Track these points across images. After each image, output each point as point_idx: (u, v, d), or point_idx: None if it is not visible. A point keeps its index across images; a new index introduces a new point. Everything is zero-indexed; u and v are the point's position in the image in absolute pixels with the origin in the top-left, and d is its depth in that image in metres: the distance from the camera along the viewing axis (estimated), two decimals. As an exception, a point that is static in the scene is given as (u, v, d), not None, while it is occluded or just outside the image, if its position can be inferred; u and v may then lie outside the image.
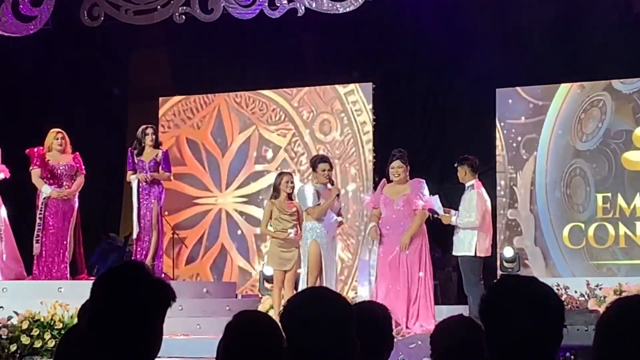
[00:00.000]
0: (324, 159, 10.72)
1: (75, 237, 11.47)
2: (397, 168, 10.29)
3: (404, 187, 10.26)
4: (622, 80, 12.76)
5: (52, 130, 11.51)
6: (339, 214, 10.58)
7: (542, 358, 2.66)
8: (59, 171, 11.42)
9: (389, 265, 10.20)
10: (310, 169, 10.78)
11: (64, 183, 11.43)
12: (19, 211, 12.01)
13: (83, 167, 11.57)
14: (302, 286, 10.19)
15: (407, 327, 9.91)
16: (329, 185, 10.41)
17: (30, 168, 11.40)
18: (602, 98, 12.86)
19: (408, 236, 10.10)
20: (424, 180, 10.37)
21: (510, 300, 2.70)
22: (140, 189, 11.69)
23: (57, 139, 11.43)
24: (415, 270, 10.14)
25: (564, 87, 13.11)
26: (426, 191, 10.29)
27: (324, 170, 10.36)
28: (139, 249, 11.74)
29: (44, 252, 11.33)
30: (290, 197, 10.73)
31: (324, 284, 10.01)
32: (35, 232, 11.33)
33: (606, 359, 2.46)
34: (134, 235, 11.77)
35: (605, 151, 12.78)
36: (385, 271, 10.20)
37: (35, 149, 11.41)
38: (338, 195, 10.49)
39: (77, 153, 11.59)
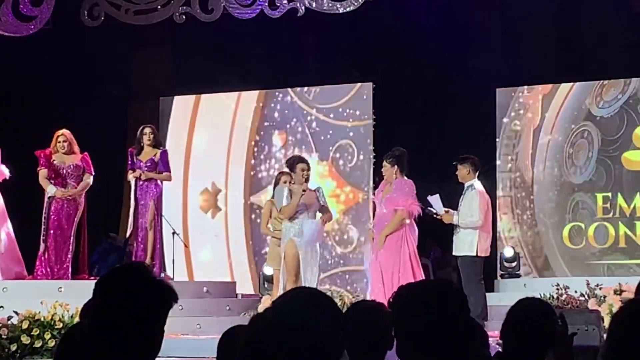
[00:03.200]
0: (301, 158, 10.74)
1: (79, 237, 11.48)
2: (383, 167, 10.36)
3: (390, 187, 10.26)
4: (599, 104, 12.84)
5: (56, 133, 11.52)
6: (323, 210, 10.47)
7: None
8: (63, 171, 11.44)
9: (373, 266, 10.20)
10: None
11: (70, 183, 11.45)
12: (23, 211, 12.01)
13: (91, 167, 11.58)
14: (280, 287, 10.12)
15: None
16: (305, 185, 10.38)
17: (38, 169, 11.44)
18: (586, 128, 12.91)
19: (383, 235, 10.06)
20: (410, 181, 10.31)
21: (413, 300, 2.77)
22: (138, 189, 11.71)
23: (60, 142, 11.46)
24: (393, 271, 10.04)
25: (564, 87, 13.14)
26: (408, 191, 10.22)
27: (303, 170, 10.34)
28: (138, 249, 11.76)
29: (47, 252, 11.35)
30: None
31: (303, 285, 9.94)
32: (41, 232, 11.35)
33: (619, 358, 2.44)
34: (127, 234, 11.82)
35: (621, 117, 12.77)
36: (372, 272, 10.20)
37: (43, 150, 11.44)
38: (304, 191, 10.33)
39: (86, 153, 11.61)
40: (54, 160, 11.44)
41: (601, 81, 12.93)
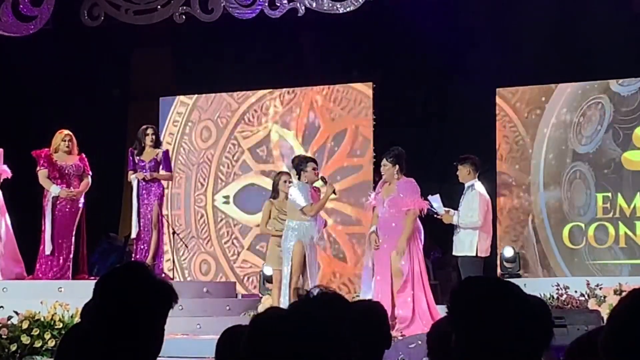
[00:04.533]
0: (311, 158, 10.80)
1: (79, 237, 11.48)
2: (382, 166, 10.35)
3: (392, 187, 10.23)
4: (619, 81, 12.77)
5: (59, 132, 11.52)
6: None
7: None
8: (67, 171, 11.45)
9: (378, 266, 10.18)
10: (294, 170, 10.65)
11: (72, 183, 11.46)
12: (22, 212, 12.01)
13: (89, 168, 11.59)
14: (284, 286, 10.17)
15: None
16: (315, 184, 10.43)
17: (37, 169, 11.42)
18: (600, 101, 12.85)
19: (403, 240, 10.01)
20: (412, 180, 10.30)
21: (481, 302, 2.66)
22: (141, 189, 11.71)
23: (65, 140, 11.45)
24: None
25: (562, 87, 13.14)
26: (414, 190, 10.21)
27: (314, 169, 10.38)
28: (139, 248, 11.77)
29: (48, 251, 11.34)
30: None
31: (308, 283, 10.03)
32: (45, 232, 11.33)
33: (617, 351, 2.43)
34: (133, 235, 11.80)
35: (605, 152, 12.75)
36: (378, 272, 10.19)
37: (42, 151, 11.43)
38: (334, 192, 10.49)
39: (83, 154, 11.61)
40: (56, 160, 11.43)
41: (578, 117, 12.87)
